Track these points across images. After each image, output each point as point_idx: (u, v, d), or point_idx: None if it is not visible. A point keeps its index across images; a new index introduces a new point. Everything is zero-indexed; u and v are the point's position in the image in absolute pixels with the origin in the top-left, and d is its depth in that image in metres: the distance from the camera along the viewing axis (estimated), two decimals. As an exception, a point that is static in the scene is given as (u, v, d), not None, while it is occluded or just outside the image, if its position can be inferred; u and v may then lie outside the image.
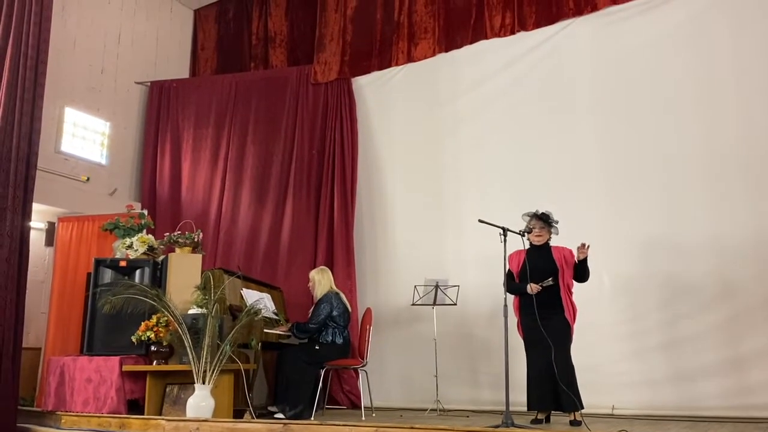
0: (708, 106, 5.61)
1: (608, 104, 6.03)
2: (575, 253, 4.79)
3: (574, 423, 4.55)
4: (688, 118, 5.68)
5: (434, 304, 5.91)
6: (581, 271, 4.81)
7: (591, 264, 4.80)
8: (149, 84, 8.05)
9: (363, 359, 5.65)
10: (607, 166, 5.95)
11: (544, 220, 4.87)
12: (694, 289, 5.42)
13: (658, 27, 5.92)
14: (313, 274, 5.76)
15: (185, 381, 4.75)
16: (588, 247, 4.71)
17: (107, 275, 5.28)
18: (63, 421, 4.80)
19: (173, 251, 5.34)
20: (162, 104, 7.96)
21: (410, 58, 7.14)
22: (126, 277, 5.22)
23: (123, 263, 5.32)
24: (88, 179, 7.19)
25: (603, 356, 5.50)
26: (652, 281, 5.59)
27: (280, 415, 5.07)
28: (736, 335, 5.22)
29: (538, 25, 6.50)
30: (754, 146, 5.39)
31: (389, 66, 7.25)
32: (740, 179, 5.42)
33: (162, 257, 5.46)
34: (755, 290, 5.21)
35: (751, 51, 5.50)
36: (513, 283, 4.86)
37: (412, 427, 3.18)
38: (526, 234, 4.75)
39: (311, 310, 5.63)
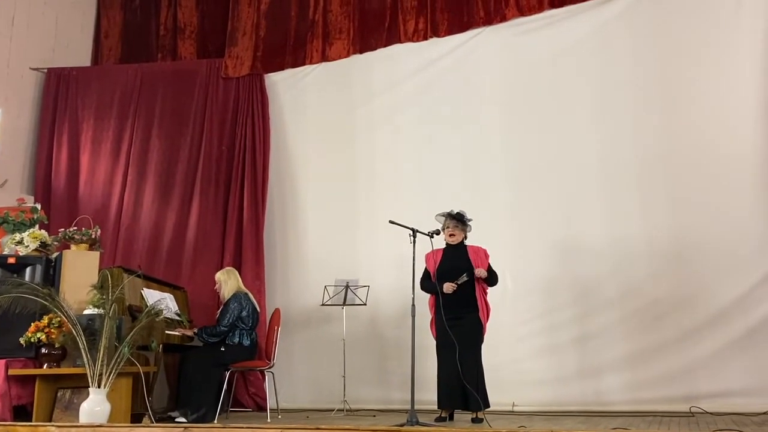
0: (606, 116, 5.96)
1: (514, 111, 6.26)
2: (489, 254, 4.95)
3: (476, 420, 4.67)
4: (588, 127, 6.00)
5: (344, 304, 5.90)
6: (489, 277, 4.94)
7: (498, 266, 4.98)
8: (46, 70, 7.57)
9: (270, 361, 5.55)
10: (513, 171, 6.18)
11: (458, 219, 4.98)
12: (592, 291, 5.73)
13: (562, 39, 6.22)
14: (219, 275, 5.62)
15: (79, 385, 4.48)
16: (483, 270, 4.85)
17: (-7, 273, 4.93)
18: (-62, 430, 4.42)
19: (68, 248, 5.05)
20: (60, 92, 7.50)
21: (325, 58, 7.10)
22: (15, 275, 4.88)
23: (12, 260, 4.97)
24: (-27, 170, 6.68)
25: (505, 355, 5.68)
26: (553, 283, 5.85)
27: (182, 419, 4.91)
28: (630, 334, 5.56)
29: (450, 32, 6.66)
30: (646, 154, 5.77)
31: (303, 64, 7.17)
32: (633, 186, 5.78)
33: (56, 254, 5.15)
34: (648, 290, 5.57)
35: (647, 64, 5.89)
36: (428, 282, 4.94)
37: (317, 428, 3.14)
38: (434, 235, 4.82)
39: (219, 311, 5.48)
